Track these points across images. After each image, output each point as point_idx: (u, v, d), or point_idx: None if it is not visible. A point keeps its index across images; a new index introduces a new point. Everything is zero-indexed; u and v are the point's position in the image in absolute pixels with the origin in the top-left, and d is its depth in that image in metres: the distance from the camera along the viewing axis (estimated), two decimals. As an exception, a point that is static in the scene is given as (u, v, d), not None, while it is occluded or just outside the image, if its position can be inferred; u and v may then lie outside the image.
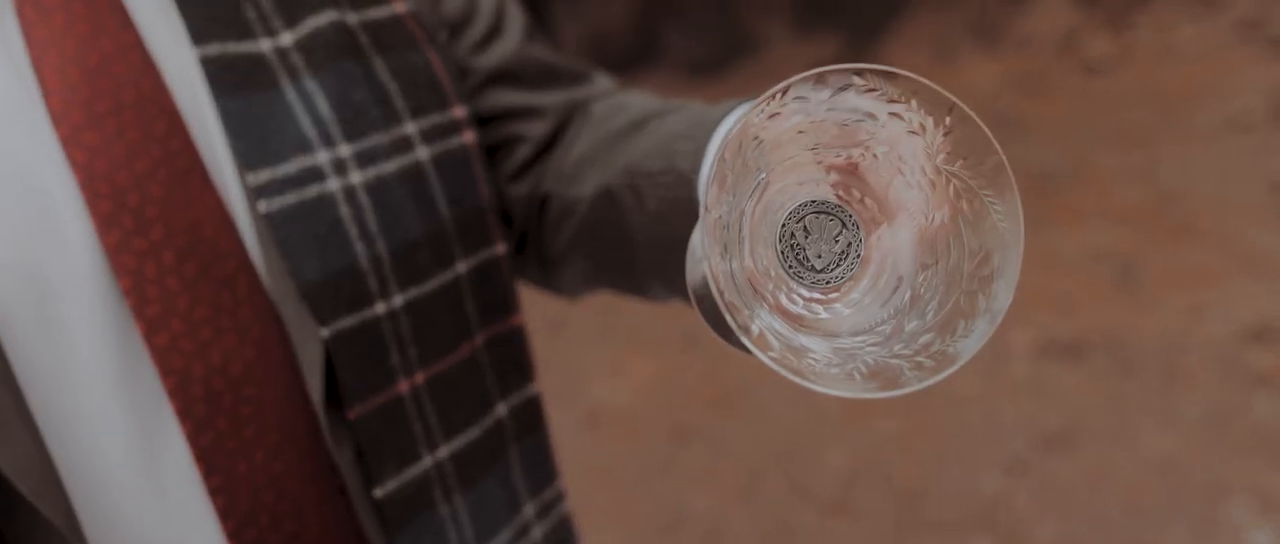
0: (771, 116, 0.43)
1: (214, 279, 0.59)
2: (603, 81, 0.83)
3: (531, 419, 0.77)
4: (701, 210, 0.43)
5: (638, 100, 0.77)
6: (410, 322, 0.65)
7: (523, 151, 0.78)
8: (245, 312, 0.60)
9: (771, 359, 0.40)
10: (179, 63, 0.62)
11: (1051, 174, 5.39)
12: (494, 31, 0.78)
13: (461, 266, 0.69)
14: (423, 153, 0.67)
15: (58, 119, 0.57)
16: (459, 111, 0.71)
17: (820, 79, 0.43)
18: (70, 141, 0.56)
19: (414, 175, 0.66)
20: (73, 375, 0.57)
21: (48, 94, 0.57)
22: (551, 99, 0.79)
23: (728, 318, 0.39)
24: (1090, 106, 6.38)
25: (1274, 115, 5.58)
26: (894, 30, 8.11)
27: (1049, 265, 4.49)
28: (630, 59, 9.59)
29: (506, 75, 0.78)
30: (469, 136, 0.71)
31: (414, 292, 0.66)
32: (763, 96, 0.43)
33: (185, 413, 0.59)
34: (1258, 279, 4.13)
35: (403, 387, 0.65)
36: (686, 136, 0.64)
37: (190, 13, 0.62)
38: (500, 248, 0.73)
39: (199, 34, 0.61)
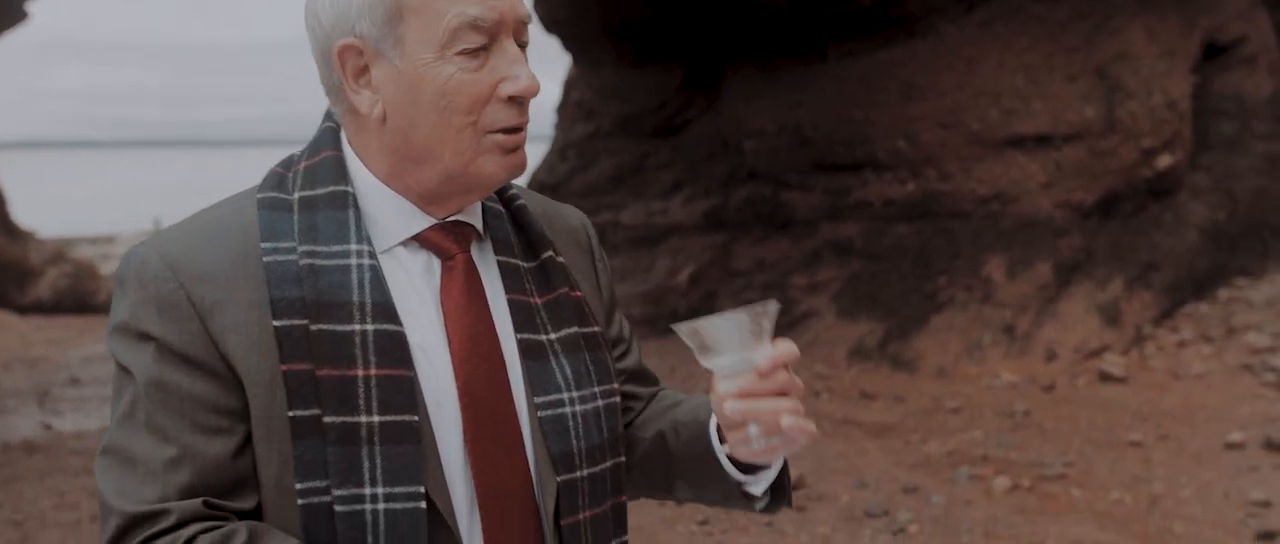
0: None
1: (504, 444, 1.22)
2: (662, 384, 1.56)
3: None
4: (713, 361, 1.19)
5: (675, 394, 1.51)
6: (588, 486, 1.27)
7: (628, 417, 1.46)
8: (518, 462, 1.23)
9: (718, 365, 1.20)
10: (507, 339, 1.26)
11: (1051, 468, 5.86)
12: (628, 351, 1.48)
13: (609, 463, 1.30)
14: (601, 402, 1.30)
15: (454, 355, 1.22)
16: (616, 386, 1.34)
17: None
18: (458, 367, 1.21)
19: (595, 413, 1.28)
20: (449, 461, 1.20)
21: (451, 343, 1.22)
22: (646, 390, 1.51)
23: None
24: (1097, 414, 6.90)
25: (1262, 441, 6.05)
26: (930, 324, 8.76)
27: (1035, 550, 4.94)
28: (686, 318, 10.31)
29: (631, 375, 1.47)
30: (617, 399, 1.34)
31: (592, 470, 1.28)
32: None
33: (483, 502, 1.21)
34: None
35: (583, 516, 1.27)
36: (702, 407, 1.38)
37: (514, 314, 1.27)
38: (623, 458, 1.34)
39: (517, 327, 1.27)
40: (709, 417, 1.34)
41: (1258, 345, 7.80)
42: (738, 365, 1.19)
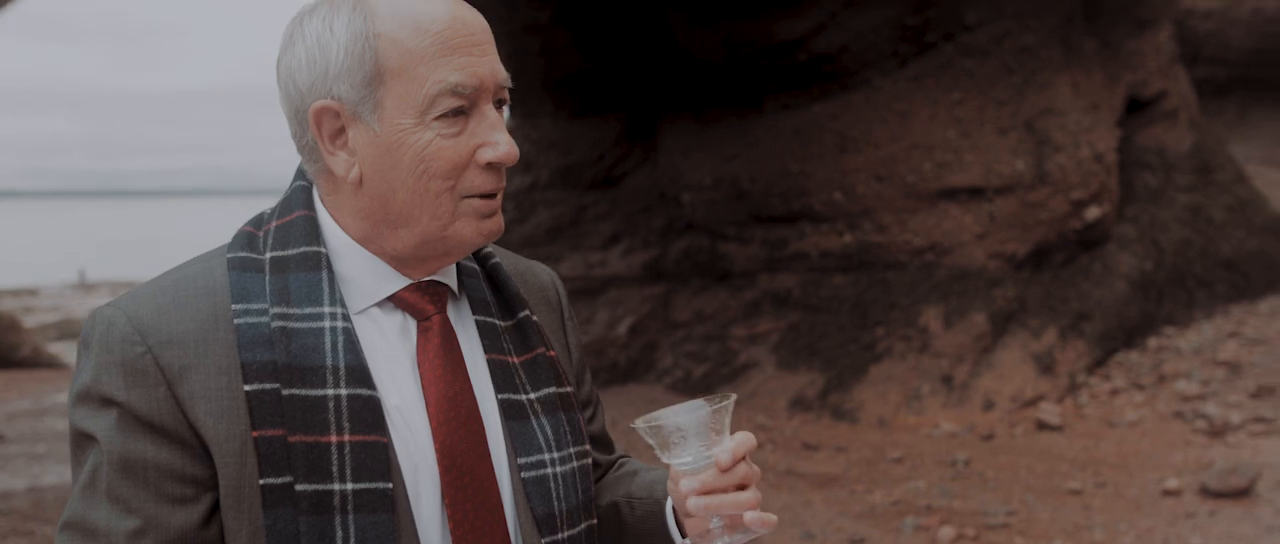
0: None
1: (485, 507, 1.20)
2: (620, 451, 1.57)
3: None
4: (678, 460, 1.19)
5: (635, 463, 1.52)
6: None
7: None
8: (498, 525, 1.21)
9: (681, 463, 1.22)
10: (486, 399, 1.25)
11: (994, 517, 5.90)
12: (594, 416, 1.48)
13: (584, 524, 1.30)
14: (575, 463, 1.29)
15: (433, 419, 1.19)
16: (587, 446, 1.34)
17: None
18: (436, 430, 1.19)
19: (572, 473, 1.28)
20: (426, 527, 1.18)
21: (429, 405, 1.19)
22: (606, 458, 1.51)
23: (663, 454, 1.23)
24: (1036, 462, 6.97)
25: (1197, 488, 6.15)
26: (869, 374, 8.82)
27: (980, 600, 4.95)
28: (627, 370, 10.28)
29: (594, 439, 1.46)
30: (589, 461, 1.34)
31: (572, 532, 1.27)
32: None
33: None
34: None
35: None
36: (659, 484, 1.38)
37: (494, 374, 1.26)
38: (595, 519, 1.34)
39: (498, 387, 1.25)
40: (665, 497, 1.35)
41: (1188, 393, 7.95)
42: (699, 462, 1.21)
